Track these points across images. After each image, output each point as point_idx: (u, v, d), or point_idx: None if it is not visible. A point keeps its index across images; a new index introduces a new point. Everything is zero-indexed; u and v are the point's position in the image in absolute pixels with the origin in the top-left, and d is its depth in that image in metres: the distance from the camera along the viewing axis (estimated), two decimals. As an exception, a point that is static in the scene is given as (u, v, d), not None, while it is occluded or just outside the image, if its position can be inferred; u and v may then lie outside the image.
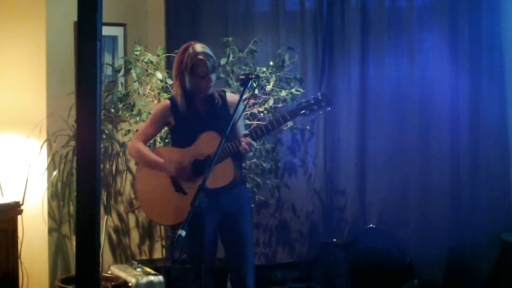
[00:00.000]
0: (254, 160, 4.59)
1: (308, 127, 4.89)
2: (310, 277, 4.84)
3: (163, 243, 4.98)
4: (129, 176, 4.93)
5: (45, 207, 4.46)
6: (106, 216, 4.63)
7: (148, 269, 4.52)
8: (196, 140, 3.40)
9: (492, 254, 4.62)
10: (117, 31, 4.95)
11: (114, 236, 5.02)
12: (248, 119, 4.54)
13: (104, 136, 4.48)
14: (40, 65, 4.48)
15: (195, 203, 2.74)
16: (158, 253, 5.13)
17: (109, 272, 4.64)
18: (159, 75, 4.47)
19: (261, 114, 4.54)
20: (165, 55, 4.70)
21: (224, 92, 3.57)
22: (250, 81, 3.25)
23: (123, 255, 5.07)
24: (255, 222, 4.97)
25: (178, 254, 4.76)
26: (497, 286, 4.59)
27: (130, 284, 4.35)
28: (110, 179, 4.60)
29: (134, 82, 4.54)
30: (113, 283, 4.40)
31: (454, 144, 4.74)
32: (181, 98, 3.42)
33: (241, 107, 3.28)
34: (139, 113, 4.52)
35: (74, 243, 4.51)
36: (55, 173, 4.44)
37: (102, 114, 4.49)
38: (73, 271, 4.57)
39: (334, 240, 4.86)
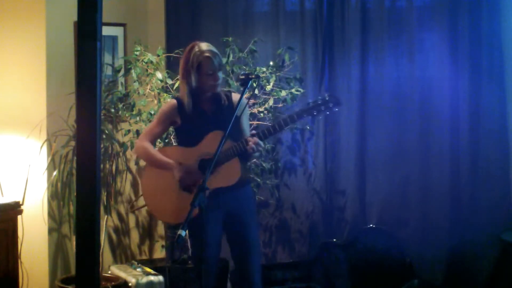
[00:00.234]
0: (254, 160, 4.59)
1: (308, 127, 4.88)
2: (310, 277, 4.83)
3: (163, 243, 4.98)
4: (129, 176, 4.94)
5: (45, 207, 4.46)
6: (106, 216, 4.63)
7: (148, 269, 4.52)
8: (203, 139, 3.40)
9: (492, 254, 4.62)
10: (117, 31, 4.95)
11: (114, 236, 5.02)
12: (248, 119, 4.53)
13: (104, 136, 4.48)
14: (40, 65, 4.48)
15: (195, 203, 2.75)
16: (158, 253, 5.13)
17: (109, 272, 4.64)
18: (159, 75, 4.47)
19: (261, 114, 4.54)
20: (165, 55, 4.70)
21: (230, 92, 3.57)
22: (250, 81, 3.25)
23: (123, 255, 5.07)
24: (255, 222, 4.97)
25: (178, 254, 4.76)
26: (497, 286, 4.59)
27: (130, 284, 4.35)
28: (110, 179, 4.60)
29: (134, 82, 4.54)
30: (113, 283, 4.40)
31: (454, 144, 4.75)
32: (187, 98, 3.41)
33: (245, 106, 3.27)
34: (139, 113, 4.52)
35: (74, 243, 4.51)
36: (55, 173, 4.44)
37: (102, 114, 4.49)
38: (73, 271, 4.57)
39: (334, 240, 4.86)
